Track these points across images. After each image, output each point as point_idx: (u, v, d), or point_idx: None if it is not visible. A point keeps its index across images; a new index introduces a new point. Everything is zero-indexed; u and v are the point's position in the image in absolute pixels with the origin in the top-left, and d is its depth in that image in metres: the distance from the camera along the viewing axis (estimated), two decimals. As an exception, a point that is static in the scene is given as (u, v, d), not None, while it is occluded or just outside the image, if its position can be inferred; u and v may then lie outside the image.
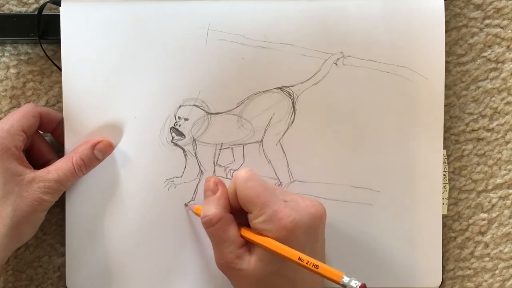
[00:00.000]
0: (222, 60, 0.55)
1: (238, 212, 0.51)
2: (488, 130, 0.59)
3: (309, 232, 0.49)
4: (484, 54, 0.59)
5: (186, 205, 0.56)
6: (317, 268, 0.46)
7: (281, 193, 0.51)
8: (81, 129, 0.55)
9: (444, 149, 0.58)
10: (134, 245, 0.56)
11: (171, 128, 0.56)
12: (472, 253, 0.60)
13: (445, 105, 0.57)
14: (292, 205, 0.49)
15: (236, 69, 0.55)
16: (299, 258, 0.47)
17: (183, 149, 0.56)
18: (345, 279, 0.45)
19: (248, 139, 0.56)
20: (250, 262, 0.49)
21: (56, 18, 0.55)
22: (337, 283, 0.45)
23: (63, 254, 0.57)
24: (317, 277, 0.50)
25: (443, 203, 0.58)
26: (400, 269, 0.56)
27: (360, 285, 0.44)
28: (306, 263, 0.46)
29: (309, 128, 0.56)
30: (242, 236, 0.50)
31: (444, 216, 0.58)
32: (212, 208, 0.50)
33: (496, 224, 0.60)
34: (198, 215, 0.54)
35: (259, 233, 0.49)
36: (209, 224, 0.50)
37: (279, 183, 0.56)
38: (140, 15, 0.55)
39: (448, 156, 0.59)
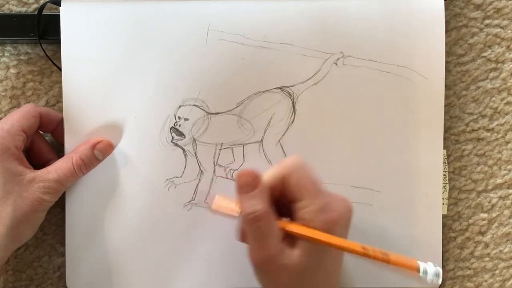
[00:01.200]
0: (222, 60, 0.55)
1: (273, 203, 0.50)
2: (488, 130, 0.59)
3: (347, 227, 0.49)
4: (484, 54, 0.59)
5: (206, 202, 0.55)
6: (387, 256, 0.43)
7: (323, 186, 0.50)
8: (81, 129, 0.55)
9: (444, 149, 0.58)
10: (134, 245, 0.56)
11: (171, 128, 0.56)
12: (472, 253, 0.60)
13: (445, 105, 0.57)
14: (335, 199, 0.49)
15: (236, 69, 0.55)
16: (363, 248, 0.45)
17: (183, 149, 0.56)
18: (422, 266, 0.41)
19: (248, 139, 0.56)
20: (292, 256, 0.48)
21: (56, 18, 0.55)
22: (415, 272, 0.42)
23: (63, 254, 0.57)
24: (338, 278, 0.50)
25: (443, 203, 0.58)
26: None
27: (441, 271, 0.41)
28: (373, 253, 0.44)
29: (309, 128, 0.56)
30: (285, 230, 0.48)
31: (444, 216, 0.58)
32: (257, 204, 0.48)
33: (496, 224, 0.60)
34: (216, 211, 0.53)
35: (304, 224, 0.48)
36: (255, 221, 0.48)
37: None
38: (140, 15, 0.55)
39: (448, 156, 0.59)
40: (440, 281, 0.42)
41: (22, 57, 0.58)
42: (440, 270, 0.41)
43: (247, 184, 0.49)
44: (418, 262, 0.42)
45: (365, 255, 0.44)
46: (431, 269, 0.41)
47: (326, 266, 0.49)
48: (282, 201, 0.50)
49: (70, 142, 0.55)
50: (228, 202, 0.50)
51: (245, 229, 0.49)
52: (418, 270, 0.42)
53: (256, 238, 0.48)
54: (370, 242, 0.54)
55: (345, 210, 0.49)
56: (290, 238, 0.48)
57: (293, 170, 0.49)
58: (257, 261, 0.49)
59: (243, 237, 0.52)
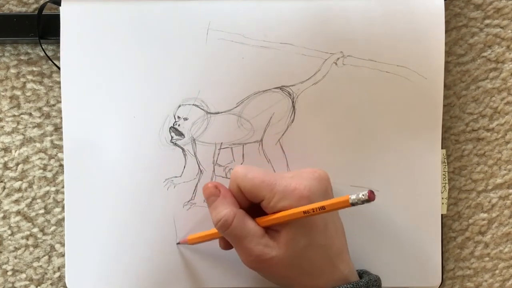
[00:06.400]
0: (222, 60, 0.55)
1: (248, 209, 0.51)
2: (488, 130, 0.59)
3: (324, 195, 0.49)
4: (484, 54, 0.59)
5: (178, 243, 0.56)
6: (325, 209, 0.46)
7: (282, 174, 0.51)
8: (80, 129, 0.55)
9: (444, 149, 0.58)
10: (134, 245, 0.56)
11: (170, 128, 0.56)
12: (472, 253, 0.60)
13: (445, 105, 0.57)
14: (297, 177, 0.50)
15: (236, 68, 0.55)
16: (304, 212, 0.47)
17: (183, 149, 0.56)
18: (353, 197, 0.44)
19: (248, 139, 0.56)
20: (279, 246, 0.48)
21: (56, 18, 0.55)
22: (349, 205, 0.45)
23: (63, 254, 0.58)
24: (342, 239, 0.51)
25: (442, 203, 0.58)
26: (400, 269, 0.56)
27: (367, 193, 0.43)
28: (313, 211, 0.46)
29: (308, 127, 0.56)
30: (260, 225, 0.49)
31: (444, 216, 0.58)
32: (222, 209, 0.50)
33: (496, 224, 0.60)
34: (193, 243, 0.55)
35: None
36: (226, 226, 0.49)
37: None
38: (140, 15, 0.55)
39: (448, 156, 0.59)
40: (366, 196, 0.43)
41: (22, 57, 0.58)
42: (366, 194, 0.43)
43: (211, 194, 0.51)
44: (350, 197, 0.44)
45: (308, 215, 0.47)
46: (360, 195, 0.44)
47: (317, 242, 0.49)
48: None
49: (69, 142, 0.55)
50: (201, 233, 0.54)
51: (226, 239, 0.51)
52: (350, 202, 0.45)
53: (236, 242, 0.50)
54: (369, 241, 0.54)
55: (312, 181, 0.49)
56: (272, 232, 0.49)
57: (239, 181, 0.50)
58: (248, 263, 0.50)
59: (225, 245, 0.53)
